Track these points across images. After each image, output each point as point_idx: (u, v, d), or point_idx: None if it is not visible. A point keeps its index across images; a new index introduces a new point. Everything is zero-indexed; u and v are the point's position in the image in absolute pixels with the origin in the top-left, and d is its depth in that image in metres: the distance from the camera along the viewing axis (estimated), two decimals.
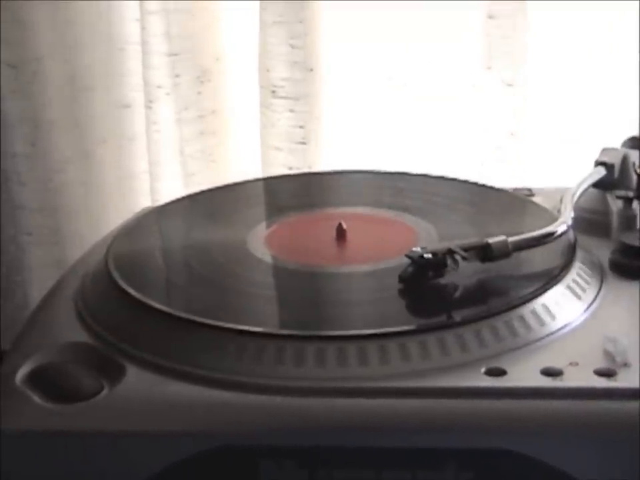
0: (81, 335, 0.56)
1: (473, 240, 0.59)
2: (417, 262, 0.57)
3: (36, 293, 0.88)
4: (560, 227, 0.62)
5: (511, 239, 0.59)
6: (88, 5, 0.86)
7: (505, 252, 0.59)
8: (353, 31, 0.86)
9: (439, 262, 0.57)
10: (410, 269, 0.58)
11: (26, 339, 0.58)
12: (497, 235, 0.59)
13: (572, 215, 0.63)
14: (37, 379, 0.53)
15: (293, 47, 0.84)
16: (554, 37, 0.85)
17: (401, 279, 0.58)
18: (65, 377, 0.53)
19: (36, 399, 0.51)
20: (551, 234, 0.61)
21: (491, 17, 0.83)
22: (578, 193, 0.67)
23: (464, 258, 0.57)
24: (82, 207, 0.90)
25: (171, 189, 0.89)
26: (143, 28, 0.86)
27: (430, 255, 0.57)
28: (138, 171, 0.93)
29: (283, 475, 0.49)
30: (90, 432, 0.49)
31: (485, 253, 0.58)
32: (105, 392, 0.51)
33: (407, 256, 0.58)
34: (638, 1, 0.80)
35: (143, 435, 0.49)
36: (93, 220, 0.90)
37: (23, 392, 0.52)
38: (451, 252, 0.58)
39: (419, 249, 0.58)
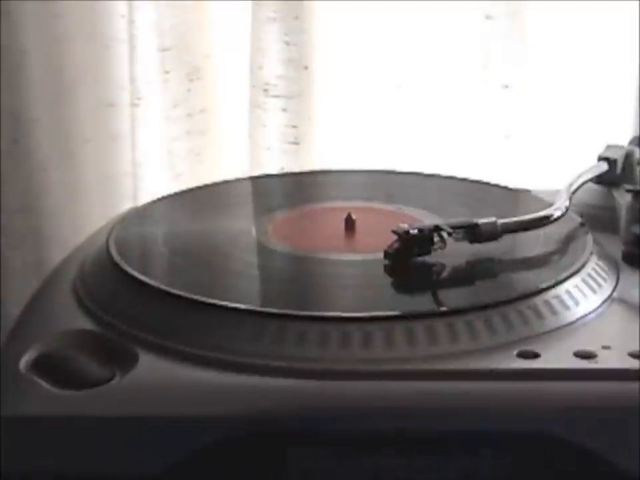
0: (84, 323, 0.54)
1: (461, 219, 0.59)
2: (403, 237, 0.57)
3: (16, 294, 0.84)
4: (554, 212, 0.62)
5: (500, 221, 0.59)
6: None
7: (493, 233, 0.59)
8: (349, 29, 0.85)
9: (425, 238, 0.57)
10: (396, 245, 0.57)
11: (26, 327, 0.55)
12: None
13: (567, 203, 0.63)
14: (42, 366, 0.50)
15: (287, 43, 0.83)
16: (552, 38, 0.84)
17: (387, 254, 0.57)
18: (73, 364, 0.50)
19: (44, 384, 0.49)
20: (545, 218, 0.61)
21: (488, 17, 0.83)
22: (576, 184, 0.67)
23: (449, 234, 0.57)
24: (65, 207, 0.87)
25: (157, 190, 0.86)
26: (132, 21, 0.83)
27: (416, 231, 0.57)
28: (122, 171, 0.91)
29: (302, 460, 0.47)
30: (104, 418, 0.47)
31: (473, 233, 0.58)
32: (117, 379, 0.49)
33: (393, 231, 0.57)
34: (637, 2, 0.80)
35: (157, 422, 0.47)
36: (76, 221, 0.87)
37: (30, 378, 0.49)
38: (437, 229, 0.57)
39: (405, 225, 0.57)
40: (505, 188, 0.72)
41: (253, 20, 0.84)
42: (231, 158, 0.90)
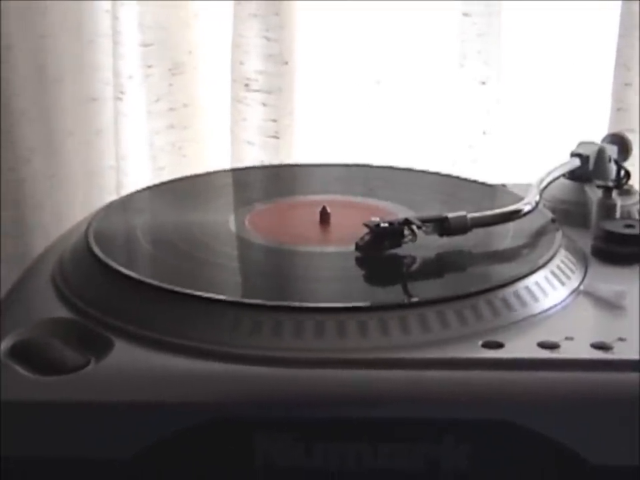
0: (61, 311, 0.55)
1: (432, 213, 0.60)
2: (374, 230, 0.58)
3: None
4: (524, 207, 0.62)
5: (470, 215, 0.60)
6: None
7: (463, 227, 0.60)
8: (329, 26, 0.86)
9: (396, 232, 0.58)
10: (367, 238, 0.58)
11: (5, 315, 0.56)
12: None
13: (537, 198, 0.64)
14: (20, 353, 0.51)
15: (268, 39, 0.84)
16: (528, 34, 0.85)
17: (358, 247, 0.58)
18: (50, 351, 0.51)
19: (22, 371, 0.50)
20: (514, 212, 0.62)
21: (465, 14, 0.84)
22: (547, 180, 0.68)
23: (419, 227, 0.58)
24: (47, 199, 0.88)
25: (139, 183, 0.87)
26: (115, 17, 0.84)
27: (386, 224, 0.58)
28: (105, 165, 0.92)
29: (270, 446, 0.48)
30: (79, 403, 0.48)
31: (443, 226, 0.59)
32: (92, 365, 0.50)
33: (365, 224, 0.58)
34: (613, 1, 0.81)
35: (130, 408, 0.48)
36: (58, 213, 0.88)
37: (8, 365, 0.50)
38: (407, 222, 0.58)
39: (377, 219, 0.59)
40: (481, 183, 0.73)
41: (234, 16, 0.85)
42: (213, 152, 0.91)
